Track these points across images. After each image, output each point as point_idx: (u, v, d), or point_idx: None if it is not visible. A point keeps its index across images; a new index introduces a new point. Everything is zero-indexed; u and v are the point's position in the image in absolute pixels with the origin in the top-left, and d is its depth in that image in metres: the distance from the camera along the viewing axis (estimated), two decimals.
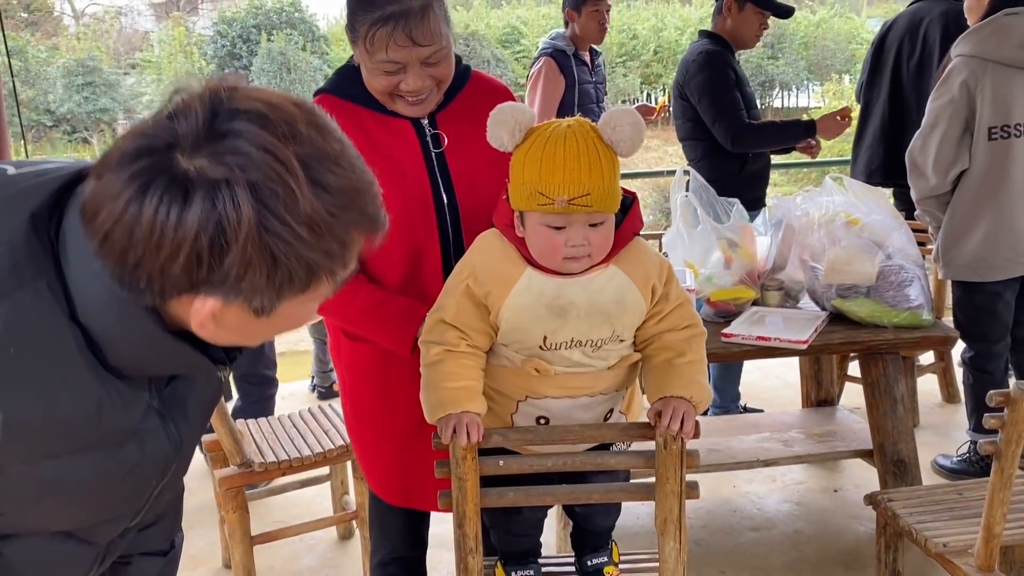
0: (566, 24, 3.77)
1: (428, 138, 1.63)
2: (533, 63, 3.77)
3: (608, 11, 3.71)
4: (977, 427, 2.93)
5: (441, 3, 1.51)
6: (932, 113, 2.74)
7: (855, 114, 3.52)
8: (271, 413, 3.26)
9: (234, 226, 0.76)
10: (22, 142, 15.70)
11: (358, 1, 1.49)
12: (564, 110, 3.66)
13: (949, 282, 3.02)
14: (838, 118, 3.29)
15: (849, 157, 3.81)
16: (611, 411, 1.57)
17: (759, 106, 3.49)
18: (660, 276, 1.49)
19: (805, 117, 3.74)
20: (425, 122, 1.63)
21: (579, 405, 1.51)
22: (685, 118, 3.39)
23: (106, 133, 17.61)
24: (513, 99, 1.76)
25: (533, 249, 1.42)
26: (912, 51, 3.42)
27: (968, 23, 2.84)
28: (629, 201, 1.49)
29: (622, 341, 1.49)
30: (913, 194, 2.85)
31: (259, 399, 3.22)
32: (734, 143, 3.20)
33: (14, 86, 4.68)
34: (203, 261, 0.78)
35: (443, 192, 1.62)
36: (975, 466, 2.94)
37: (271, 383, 3.31)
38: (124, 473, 0.95)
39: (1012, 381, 1.68)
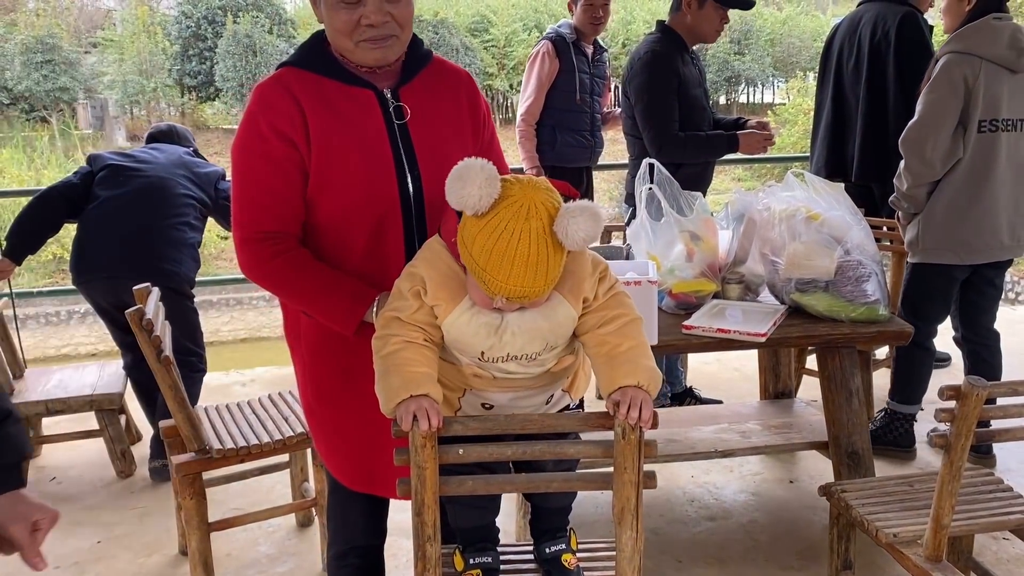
0: (571, 13, 3.90)
1: (391, 110, 1.64)
2: (536, 45, 3.92)
3: (605, 6, 3.77)
4: (905, 399, 3.11)
5: None
6: (933, 105, 2.82)
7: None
8: (195, 393, 3.24)
9: None
10: None
11: None
12: (555, 92, 3.79)
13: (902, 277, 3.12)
14: (760, 132, 3.33)
15: (807, 153, 3.89)
16: (553, 395, 1.61)
17: (725, 102, 3.53)
18: (592, 284, 1.48)
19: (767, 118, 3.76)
20: (388, 94, 1.64)
21: (520, 396, 1.55)
22: (627, 114, 3.41)
23: (65, 112, 17.26)
24: (475, 86, 1.77)
25: (471, 293, 1.43)
26: (850, 53, 3.50)
27: (946, 26, 2.97)
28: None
29: (555, 348, 1.51)
30: (907, 180, 2.91)
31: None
32: (659, 153, 3.20)
33: None
34: None
35: (405, 163, 1.63)
36: (888, 435, 3.15)
37: (197, 363, 3.27)
38: None
39: (949, 371, 1.71)
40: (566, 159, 3.82)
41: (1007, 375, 3.04)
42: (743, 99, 20.09)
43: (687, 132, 3.27)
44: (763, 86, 20.51)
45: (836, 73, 3.57)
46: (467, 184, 1.32)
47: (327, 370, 1.73)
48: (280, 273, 1.62)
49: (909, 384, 3.11)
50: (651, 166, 2.74)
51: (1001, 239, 2.94)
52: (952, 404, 1.71)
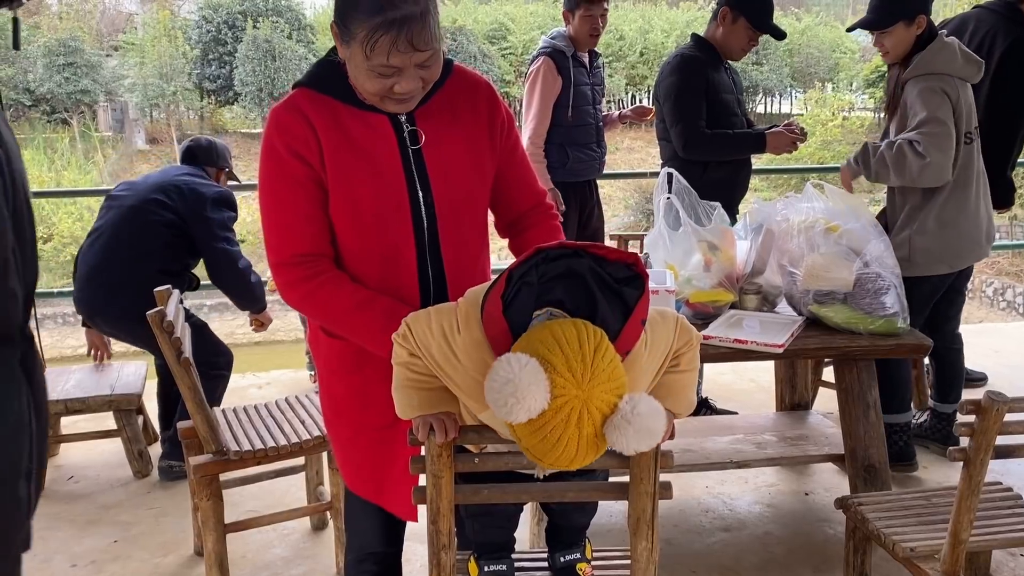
0: (567, 23, 3.76)
1: (405, 134, 1.61)
2: (532, 61, 3.75)
3: (603, 16, 3.66)
4: (896, 409, 3.08)
5: (436, 5, 1.49)
6: (938, 121, 2.78)
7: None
8: (218, 397, 3.25)
9: None
10: None
11: (357, 3, 1.45)
12: (560, 109, 3.67)
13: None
14: (787, 135, 3.33)
15: (826, 164, 3.85)
16: None
17: (741, 113, 3.50)
18: (660, 365, 1.39)
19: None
20: (403, 118, 1.61)
21: None
22: (659, 118, 3.46)
23: (86, 115, 17.43)
24: (495, 94, 1.72)
25: None
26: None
27: (893, 54, 2.93)
28: (639, 287, 1.28)
29: None
30: (935, 179, 2.83)
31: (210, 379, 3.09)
32: (685, 149, 3.28)
33: None
34: None
35: (419, 189, 1.61)
36: (891, 449, 3.05)
37: (221, 367, 3.28)
38: None
39: (984, 391, 1.70)
40: (576, 174, 3.73)
41: (1020, 390, 3.03)
42: (760, 109, 20.06)
43: (717, 131, 3.30)
44: (781, 96, 20.48)
45: None
46: (517, 399, 1.14)
47: (342, 389, 1.74)
48: (314, 296, 1.60)
49: (896, 393, 3.09)
50: (670, 175, 2.74)
51: (981, 242, 3.02)
52: (972, 419, 1.70)
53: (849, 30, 3.30)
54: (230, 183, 3.46)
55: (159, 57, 17.65)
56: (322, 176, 1.59)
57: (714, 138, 3.29)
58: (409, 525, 1.86)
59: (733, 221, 3.10)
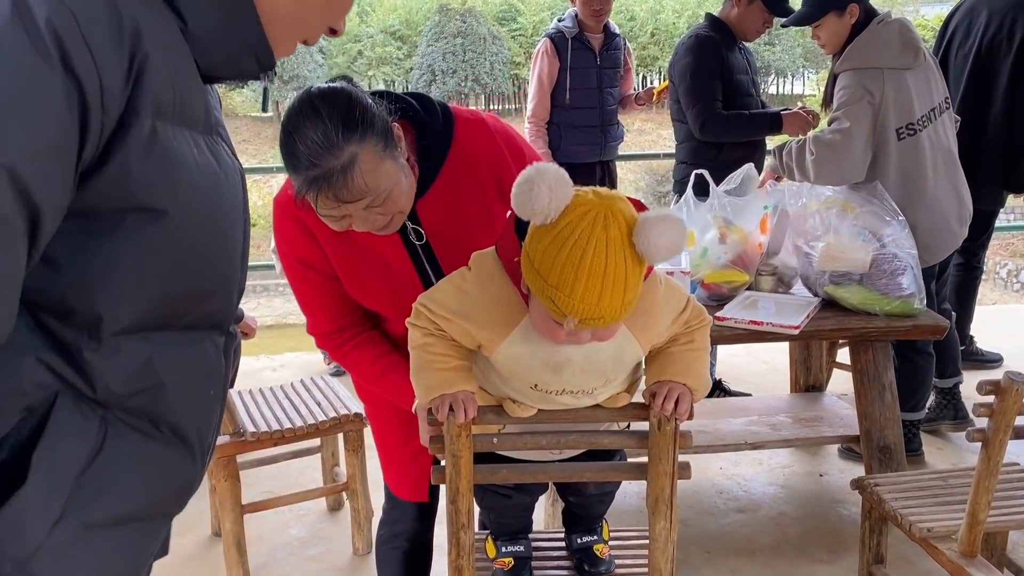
0: (573, 3, 3.76)
1: (409, 231, 1.53)
2: (539, 43, 3.80)
3: None
4: (912, 408, 3.02)
5: (374, 143, 1.33)
6: (849, 117, 2.70)
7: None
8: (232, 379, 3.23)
9: None
10: None
11: (283, 157, 1.35)
12: (559, 91, 3.68)
13: None
14: (804, 115, 3.29)
15: None
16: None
17: (756, 93, 3.47)
18: (668, 320, 1.39)
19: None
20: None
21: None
22: (673, 99, 3.44)
23: None
24: (501, 156, 1.57)
25: (532, 320, 1.30)
26: (964, 39, 3.35)
27: (830, 46, 2.86)
28: None
29: (612, 383, 1.44)
30: (834, 180, 2.76)
31: None
32: (702, 130, 3.27)
33: None
34: None
35: (433, 278, 1.56)
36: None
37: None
38: (215, 187, 0.91)
39: (1003, 371, 1.69)
40: (573, 156, 3.71)
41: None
42: (773, 90, 19.90)
43: (732, 112, 3.28)
44: (793, 77, 20.30)
45: (943, 58, 3.40)
46: (536, 185, 1.16)
47: (367, 394, 1.81)
48: (346, 360, 1.68)
49: (916, 393, 3.03)
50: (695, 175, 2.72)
51: (953, 229, 2.90)
52: (991, 399, 1.70)
53: (783, 26, 3.23)
54: None
55: None
56: (335, 274, 1.59)
57: (730, 119, 3.27)
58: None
59: None
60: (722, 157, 3.27)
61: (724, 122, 3.27)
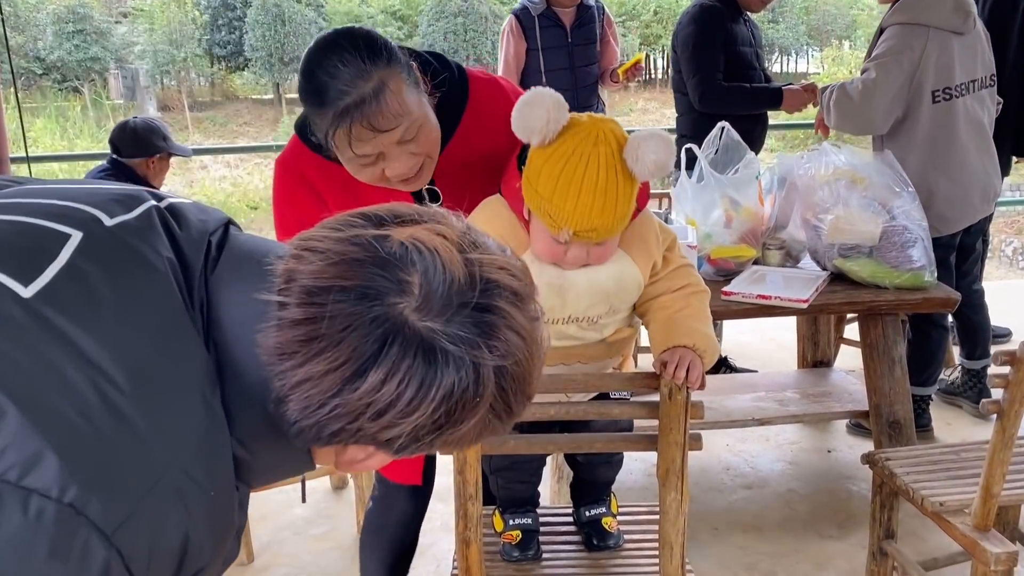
0: None
1: (424, 192, 1.48)
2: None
3: None
4: (923, 382, 3.00)
5: (400, 70, 1.30)
6: (879, 69, 2.70)
7: None
8: None
9: (469, 408, 0.70)
10: (12, 90, 15.45)
11: (307, 100, 1.31)
12: (531, 75, 3.52)
13: None
14: (804, 93, 3.25)
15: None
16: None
17: (760, 67, 3.40)
18: (660, 249, 1.46)
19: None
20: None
21: (572, 369, 1.50)
22: (675, 69, 3.39)
23: (97, 83, 17.36)
24: (517, 91, 1.56)
25: (533, 243, 1.40)
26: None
27: (884, 1, 2.84)
28: None
29: (616, 312, 1.48)
30: (850, 129, 2.85)
31: None
32: (701, 102, 3.22)
33: (4, 32, 4.53)
34: (418, 435, 0.71)
35: None
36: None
37: None
38: None
39: (1019, 343, 1.66)
40: None
41: None
42: (776, 68, 19.75)
43: (733, 84, 3.23)
44: (797, 55, 20.16)
45: None
46: (535, 108, 1.28)
47: None
48: None
49: (928, 366, 3.01)
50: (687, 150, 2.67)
51: (973, 204, 2.87)
52: (1006, 370, 1.66)
53: None
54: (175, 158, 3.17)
55: (168, 23, 17.52)
56: None
57: (731, 91, 3.22)
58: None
59: None
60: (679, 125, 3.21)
61: (724, 94, 3.22)
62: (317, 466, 0.84)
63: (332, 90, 1.26)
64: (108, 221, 0.74)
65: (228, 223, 0.81)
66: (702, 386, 1.34)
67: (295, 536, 2.60)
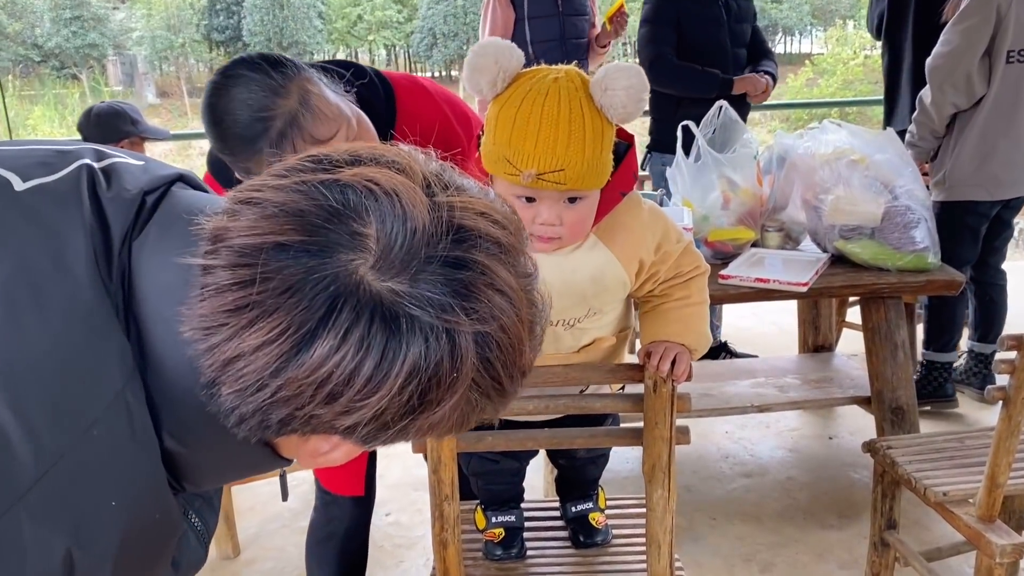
0: None
1: None
2: None
3: None
4: (941, 347, 2.99)
5: (312, 76, 1.21)
6: (963, 35, 2.67)
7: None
8: None
9: (445, 385, 0.58)
10: (9, 77, 15.37)
11: (231, 148, 1.19)
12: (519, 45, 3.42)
13: None
14: (759, 80, 3.19)
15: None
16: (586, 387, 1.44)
17: (741, 44, 3.25)
18: (651, 245, 1.31)
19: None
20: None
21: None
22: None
23: (95, 69, 17.28)
24: (443, 92, 1.49)
25: None
26: None
27: None
28: (624, 149, 1.27)
29: (598, 315, 1.34)
30: (933, 113, 2.79)
31: None
32: (650, 78, 3.07)
33: None
34: (384, 420, 0.59)
35: None
36: (928, 387, 3.02)
37: None
38: None
39: None
40: None
41: None
42: (780, 49, 19.60)
43: (684, 63, 3.17)
44: (800, 35, 19.98)
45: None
46: (481, 56, 1.17)
47: None
48: None
49: (945, 331, 2.99)
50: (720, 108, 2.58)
51: None
52: (1012, 355, 1.59)
53: None
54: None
55: (166, 8, 17.41)
56: None
57: (678, 69, 3.17)
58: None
59: None
60: (680, 113, 3.07)
61: (670, 71, 3.16)
62: (292, 461, 0.73)
63: (255, 123, 1.15)
64: (20, 185, 0.64)
65: (177, 179, 0.70)
66: (689, 377, 1.27)
67: (282, 528, 2.55)
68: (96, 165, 0.67)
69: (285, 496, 1.21)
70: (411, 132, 1.37)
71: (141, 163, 0.70)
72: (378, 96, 1.38)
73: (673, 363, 1.25)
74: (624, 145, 1.28)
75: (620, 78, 1.16)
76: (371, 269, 0.56)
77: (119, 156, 0.71)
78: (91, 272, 0.61)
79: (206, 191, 0.73)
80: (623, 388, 1.48)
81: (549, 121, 1.13)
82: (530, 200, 1.20)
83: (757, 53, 3.33)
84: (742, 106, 3.26)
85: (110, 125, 2.86)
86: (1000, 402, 1.64)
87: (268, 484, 2.69)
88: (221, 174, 1.40)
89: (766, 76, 3.23)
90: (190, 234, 0.60)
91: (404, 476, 2.68)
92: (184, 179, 0.71)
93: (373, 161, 0.61)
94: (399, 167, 0.60)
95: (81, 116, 2.91)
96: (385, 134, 1.36)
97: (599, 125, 1.17)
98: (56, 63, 17.10)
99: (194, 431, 0.64)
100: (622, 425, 1.53)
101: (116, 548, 0.62)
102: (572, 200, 1.20)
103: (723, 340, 3.48)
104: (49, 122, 14.41)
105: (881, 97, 3.48)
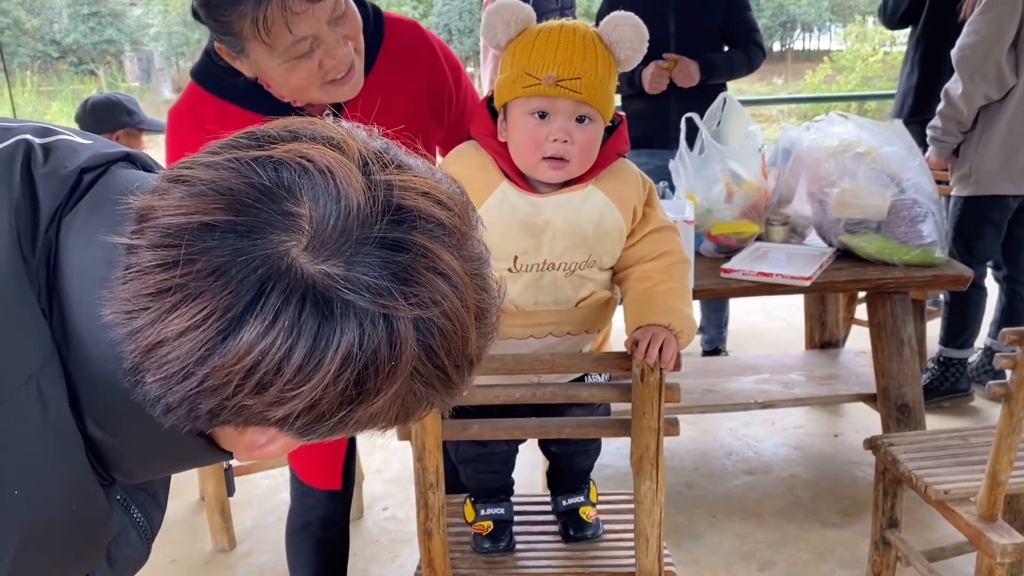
0: None
1: None
2: None
3: None
4: (960, 344, 2.95)
5: None
6: (991, 24, 2.63)
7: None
8: None
9: (384, 374, 0.55)
10: (28, 72, 15.48)
11: (217, 3, 1.20)
12: None
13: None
14: (658, 67, 2.96)
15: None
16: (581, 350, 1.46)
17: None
18: (641, 197, 1.40)
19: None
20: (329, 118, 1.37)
21: (544, 345, 1.40)
22: None
23: (112, 65, 17.38)
24: (434, 57, 1.49)
25: (513, 147, 1.33)
26: None
27: None
28: (617, 121, 1.41)
29: (599, 268, 1.39)
30: (962, 105, 2.73)
31: None
32: None
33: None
34: (320, 410, 0.56)
35: None
36: (944, 384, 2.99)
37: None
38: None
39: None
40: None
41: None
42: (798, 46, 19.45)
43: None
44: (819, 31, 19.84)
45: None
46: (503, 13, 1.31)
47: None
48: None
49: (965, 328, 2.94)
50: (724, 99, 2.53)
51: None
52: (1015, 350, 1.55)
53: None
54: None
55: (183, 4, 17.49)
56: None
57: None
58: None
59: (664, 161, 2.63)
60: (624, 105, 3.02)
61: None
62: (231, 456, 0.71)
63: None
64: None
65: (122, 158, 0.67)
66: (677, 366, 1.24)
67: (280, 521, 2.50)
68: (37, 141, 0.65)
69: (231, 491, 1.18)
70: (394, 65, 1.40)
71: (88, 142, 0.68)
72: (368, 19, 1.36)
73: (661, 349, 1.23)
74: (617, 119, 1.40)
75: (626, 18, 1.31)
76: (304, 251, 0.53)
77: (65, 134, 0.68)
78: (11, 249, 0.58)
79: (154, 172, 0.70)
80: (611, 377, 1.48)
81: (567, 38, 1.28)
82: (543, 116, 1.29)
83: (735, 42, 3.11)
84: (665, 100, 3.03)
85: (106, 116, 2.86)
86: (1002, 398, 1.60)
87: (266, 478, 2.68)
88: (205, 77, 1.36)
89: (686, 60, 2.97)
90: (119, 213, 0.57)
91: (403, 471, 2.67)
92: (131, 158, 0.69)
93: (309, 137, 0.58)
94: (334, 143, 0.57)
95: (79, 107, 2.91)
96: (372, 57, 1.37)
97: (607, 57, 1.31)
98: (74, 59, 17.22)
99: (120, 419, 0.61)
100: (609, 417, 1.51)
101: (18, 540, 0.59)
102: (581, 120, 1.30)
103: (726, 350, 3.41)
104: (67, 117, 14.51)
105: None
